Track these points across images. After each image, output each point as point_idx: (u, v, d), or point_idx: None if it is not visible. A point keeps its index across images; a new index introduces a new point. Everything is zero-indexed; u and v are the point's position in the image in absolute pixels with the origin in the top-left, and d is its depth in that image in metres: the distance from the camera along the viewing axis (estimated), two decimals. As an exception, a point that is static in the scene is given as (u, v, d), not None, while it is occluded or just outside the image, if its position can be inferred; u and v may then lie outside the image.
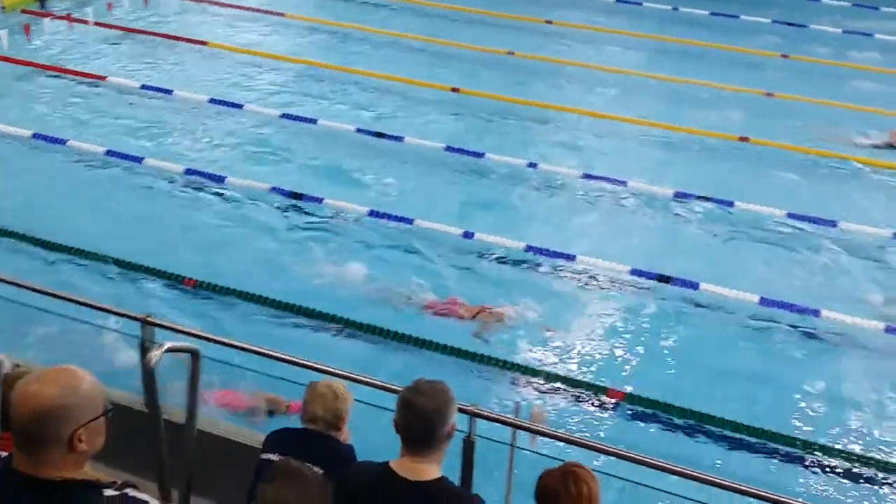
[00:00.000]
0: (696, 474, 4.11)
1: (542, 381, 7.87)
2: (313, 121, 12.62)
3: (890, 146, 12.63)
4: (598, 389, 7.81)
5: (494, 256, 9.77)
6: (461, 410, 3.90)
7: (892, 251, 10.13)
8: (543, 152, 12.12)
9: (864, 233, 10.36)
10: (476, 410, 4.29)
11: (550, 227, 10.54)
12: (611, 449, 4.31)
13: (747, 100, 13.98)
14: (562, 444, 4.92)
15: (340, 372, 4.83)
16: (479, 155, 11.78)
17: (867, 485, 7.00)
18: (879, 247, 10.19)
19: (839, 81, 14.88)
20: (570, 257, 9.68)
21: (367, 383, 4.72)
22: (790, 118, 13.39)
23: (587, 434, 7.16)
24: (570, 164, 11.82)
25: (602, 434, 7.33)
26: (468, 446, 4.30)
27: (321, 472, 3.82)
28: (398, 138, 12.16)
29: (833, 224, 10.47)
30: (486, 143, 12.20)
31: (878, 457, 7.26)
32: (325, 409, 4.39)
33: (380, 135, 12.28)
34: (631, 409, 7.68)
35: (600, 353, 8.43)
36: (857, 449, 7.34)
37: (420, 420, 3.49)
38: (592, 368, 8.20)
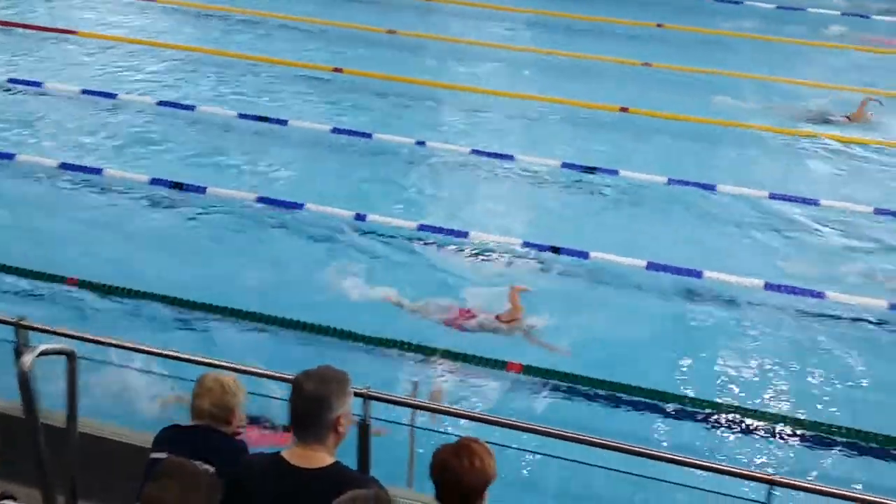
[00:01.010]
0: (592, 439, 4.14)
1: (441, 360, 7.83)
2: (191, 108, 12.23)
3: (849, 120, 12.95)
4: (496, 364, 7.82)
5: (388, 237, 9.67)
6: (356, 393, 3.81)
7: (772, 211, 10.48)
8: (431, 130, 12.07)
9: (743, 195, 10.69)
10: (369, 393, 4.21)
11: (442, 205, 10.51)
12: (507, 421, 4.29)
13: (626, 71, 14.24)
14: (464, 421, 4.92)
15: (230, 365, 4.67)
16: (367, 135, 11.64)
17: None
18: (757, 207, 10.53)
19: (713, 49, 15.31)
20: (463, 234, 9.67)
21: (257, 374, 4.58)
22: (667, 87, 13.71)
23: (489, 409, 7.17)
24: (459, 140, 11.81)
25: (506, 407, 7.34)
26: (363, 429, 4.22)
27: (210, 468, 3.69)
28: (282, 122, 11.90)
29: (712, 188, 10.77)
30: (374, 123, 12.07)
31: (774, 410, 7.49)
32: (213, 403, 4.24)
33: (263, 119, 11.99)
34: (531, 381, 7.73)
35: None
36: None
37: (305, 404, 3.41)
38: (487, 345, 8.16)
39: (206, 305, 8.28)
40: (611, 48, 14.96)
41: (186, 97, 12.59)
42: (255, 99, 12.79)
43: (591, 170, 11.14)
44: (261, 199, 10.09)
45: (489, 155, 11.41)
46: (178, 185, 10.27)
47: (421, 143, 11.51)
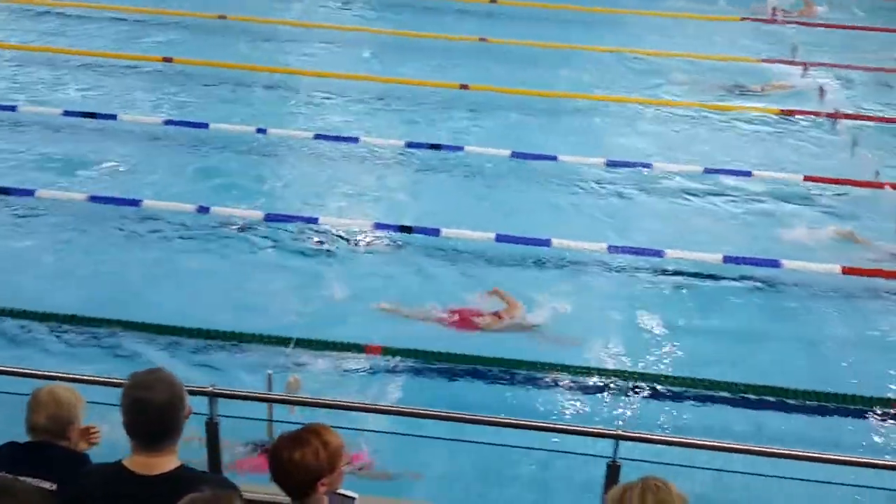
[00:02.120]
0: (449, 414, 4.16)
1: (296, 350, 7.69)
2: (12, 108, 11.49)
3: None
4: (355, 348, 7.75)
5: (235, 228, 9.42)
6: (200, 392, 3.68)
7: (611, 178, 10.80)
8: (271, 117, 11.79)
9: (582, 163, 10.99)
10: (215, 390, 4.07)
11: (289, 193, 10.34)
12: (362, 405, 4.25)
13: (464, 47, 14.36)
14: (323, 409, 4.83)
15: (64, 375, 4.42)
16: (203, 126, 11.25)
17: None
18: (597, 175, 10.86)
19: (548, 24, 15.64)
20: (313, 220, 9.53)
21: (93, 382, 4.35)
22: (504, 62, 13.92)
23: (354, 395, 7.11)
24: (300, 126, 11.62)
25: (374, 391, 7.31)
26: (211, 428, 4.08)
27: (48, 484, 3.48)
28: (111, 117, 11.35)
29: (553, 158, 11.01)
30: (210, 113, 11.67)
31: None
32: (48, 417, 4.00)
33: (91, 115, 11.40)
34: (389, 362, 7.71)
35: (355, 311, 8.37)
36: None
37: (156, 416, 3.26)
38: (352, 327, 8.08)
39: (24, 312, 7.83)
40: (448, 25, 15.05)
41: (6, 97, 11.81)
42: (84, 94, 12.18)
43: (435, 147, 11.19)
44: (94, 199, 9.60)
45: (333, 139, 11.26)
46: (3, 191, 9.65)
47: (262, 131, 11.23)
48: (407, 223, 9.55)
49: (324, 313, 8.31)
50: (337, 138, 11.27)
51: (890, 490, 5.92)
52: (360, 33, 14.84)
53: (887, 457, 6.68)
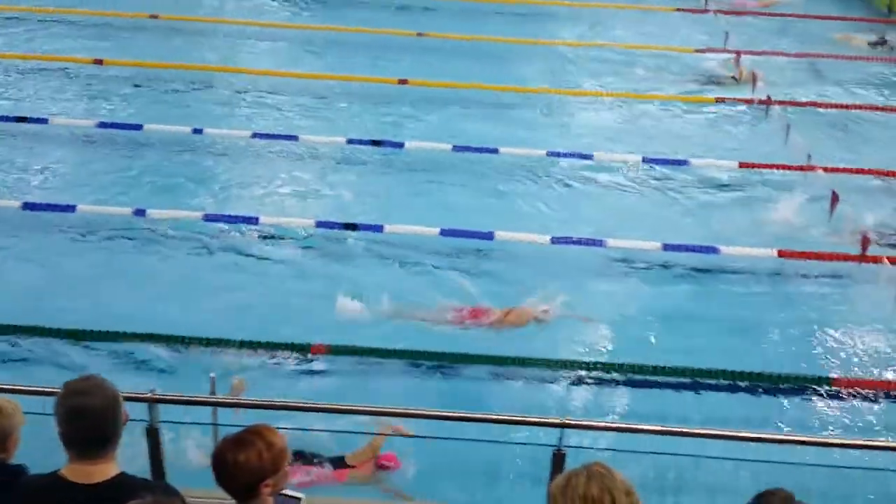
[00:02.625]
0: (391, 410, 4.13)
1: (241, 351, 7.59)
2: (-64, 114, 11.17)
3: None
4: (300, 348, 7.68)
5: (167, 230, 9.25)
6: (139, 399, 3.60)
7: (556, 171, 10.85)
8: (207, 117, 11.61)
9: (524, 155, 11.04)
10: (154, 396, 3.99)
11: (228, 193, 10.19)
12: (306, 405, 4.20)
13: (402, 42, 14.32)
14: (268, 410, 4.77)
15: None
16: (137, 127, 11.04)
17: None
18: (538, 166, 10.92)
19: (486, 18, 15.68)
20: (253, 220, 9.41)
21: (26, 392, 4.23)
22: (442, 56, 13.92)
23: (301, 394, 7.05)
24: (237, 125, 11.46)
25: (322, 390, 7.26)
26: (152, 435, 4.01)
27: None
28: (43, 121, 11.07)
29: (495, 151, 11.04)
30: (144, 114, 11.47)
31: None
32: (-16, 429, 3.87)
33: (21, 119, 11.11)
34: (335, 360, 7.67)
35: (298, 311, 8.28)
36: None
37: (94, 423, 3.18)
38: (293, 327, 8.00)
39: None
40: (385, 21, 14.98)
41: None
42: (14, 99, 11.90)
43: (376, 143, 11.15)
44: (27, 206, 9.35)
45: (271, 137, 11.14)
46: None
47: (198, 131, 11.05)
48: (350, 220, 9.50)
49: (266, 314, 8.22)
50: (275, 136, 11.15)
51: (832, 467, 6.10)
52: (296, 30, 14.71)
53: (824, 434, 6.88)
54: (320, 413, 4.34)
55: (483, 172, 10.78)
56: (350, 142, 11.15)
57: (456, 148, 11.04)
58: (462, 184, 10.57)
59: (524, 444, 3.81)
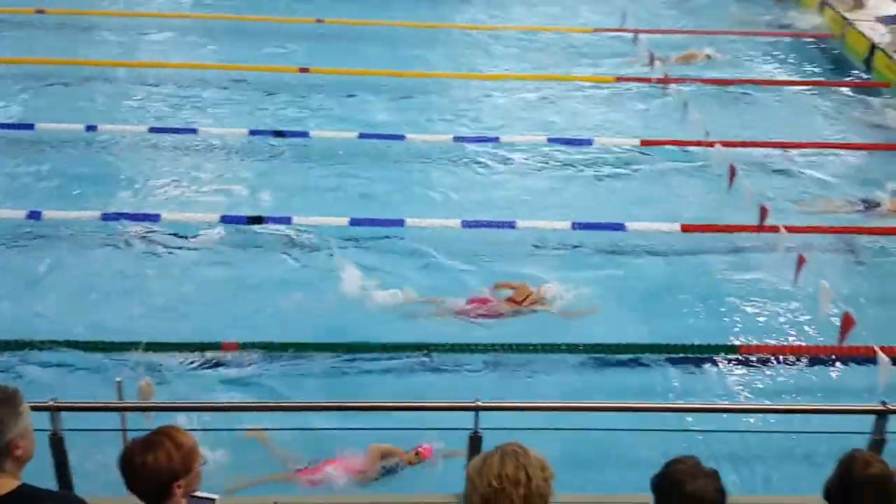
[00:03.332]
0: (306, 404, 4.05)
1: (148, 354, 7.36)
2: None
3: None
4: (209, 347, 7.50)
5: (69, 232, 8.92)
6: (40, 407, 3.44)
7: (463, 155, 10.84)
8: (101, 113, 11.20)
9: (431, 141, 11.00)
10: (56, 404, 3.82)
11: (126, 191, 9.84)
12: (216, 404, 4.08)
13: (301, 29, 14.09)
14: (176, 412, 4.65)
15: None
16: (28, 127, 10.58)
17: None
18: (446, 155, 10.85)
19: (383, 2, 15.57)
20: (154, 217, 9.13)
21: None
22: (343, 42, 13.77)
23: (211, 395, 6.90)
24: (133, 120, 11.11)
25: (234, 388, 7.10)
26: (55, 443, 3.83)
27: None
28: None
29: (401, 138, 10.97)
30: (35, 113, 11.00)
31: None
32: None
33: None
34: (249, 357, 7.51)
35: (207, 311, 8.07)
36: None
37: None
38: (204, 326, 7.77)
39: None
40: (283, 8, 14.73)
41: None
42: None
43: (279, 134, 10.95)
44: None
45: (170, 131, 10.84)
46: None
47: (92, 128, 10.64)
48: (256, 213, 9.32)
49: (171, 313, 8.00)
50: (173, 130, 10.86)
51: (740, 432, 6.29)
52: (190, 20, 14.32)
53: (729, 401, 7.07)
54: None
55: (391, 159, 10.71)
56: (252, 133, 10.93)
57: (362, 136, 10.93)
58: (370, 172, 10.47)
59: (442, 428, 3.79)
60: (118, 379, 5.21)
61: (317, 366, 7.37)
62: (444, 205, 9.86)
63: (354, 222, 9.22)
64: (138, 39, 13.63)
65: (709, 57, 13.85)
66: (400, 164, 10.66)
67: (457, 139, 11.04)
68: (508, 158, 10.89)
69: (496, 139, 11.13)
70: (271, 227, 9.15)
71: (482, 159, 10.84)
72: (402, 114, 11.88)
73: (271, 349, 7.47)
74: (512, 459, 2.70)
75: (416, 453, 6.01)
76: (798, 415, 6.05)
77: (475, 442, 3.72)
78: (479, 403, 3.61)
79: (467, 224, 9.27)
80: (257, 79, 12.43)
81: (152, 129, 10.81)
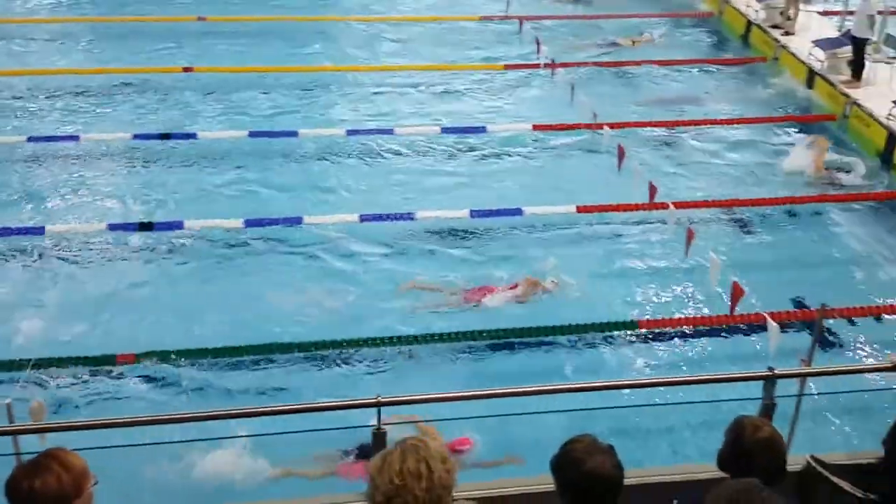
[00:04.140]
0: (192, 415, 3.92)
1: (38, 371, 7.06)
2: None
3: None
4: (104, 361, 7.25)
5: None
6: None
7: (357, 148, 10.74)
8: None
9: (323, 136, 10.89)
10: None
11: (6, 204, 9.42)
12: (114, 421, 3.92)
13: (182, 28, 13.72)
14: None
15: None
16: None
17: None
18: (340, 149, 10.77)
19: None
20: (37, 230, 8.77)
21: None
22: (226, 40, 13.50)
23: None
24: (10, 131, 10.63)
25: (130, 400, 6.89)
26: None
27: None
28: None
29: (294, 134, 10.83)
30: None
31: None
32: None
33: None
34: (147, 367, 7.29)
35: (100, 323, 7.80)
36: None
37: None
38: (101, 340, 7.52)
39: None
40: (162, 7, 14.33)
41: None
42: None
43: (165, 136, 10.65)
44: None
45: (50, 140, 10.40)
46: None
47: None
48: (145, 220, 9.06)
49: (64, 326, 7.70)
50: (54, 139, 10.44)
51: (644, 406, 6.40)
52: (67, 24, 13.76)
53: (635, 376, 7.23)
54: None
55: (283, 157, 10.55)
56: (137, 137, 10.60)
57: (252, 134, 10.74)
58: (262, 170, 10.29)
59: (345, 427, 3.75)
60: (7, 401, 4.97)
61: (228, 370, 7.22)
62: (342, 200, 9.77)
63: (249, 223, 9.06)
64: (11, 46, 13.03)
65: (652, 40, 14.21)
66: (294, 161, 10.51)
67: (350, 132, 10.96)
68: (403, 150, 10.86)
69: (390, 131, 11.09)
70: (164, 233, 8.90)
71: (377, 152, 10.79)
72: (292, 109, 11.72)
73: (168, 359, 7.28)
74: (412, 454, 2.67)
75: (452, 449, 6.10)
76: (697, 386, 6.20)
77: (379, 438, 3.69)
78: (381, 399, 3.58)
79: (366, 218, 9.21)
80: (139, 81, 12.06)
81: (31, 139, 10.37)
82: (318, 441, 5.73)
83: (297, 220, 9.13)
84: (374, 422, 3.81)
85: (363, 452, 6.05)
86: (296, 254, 8.83)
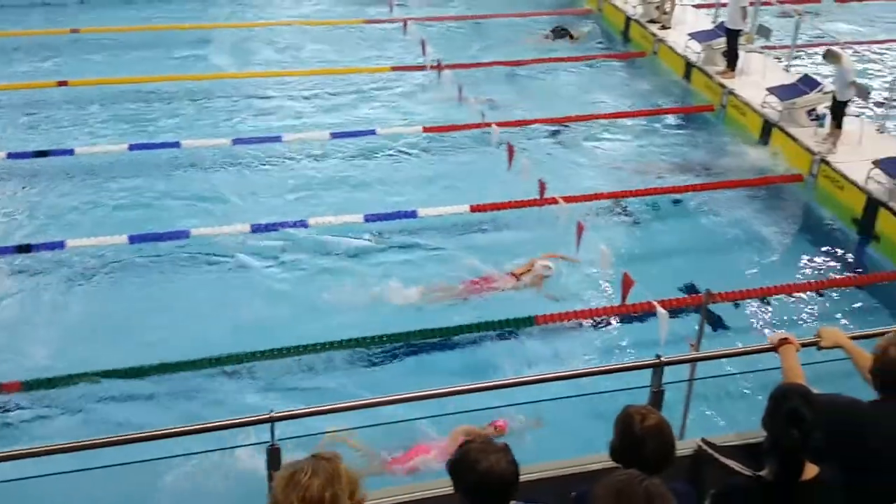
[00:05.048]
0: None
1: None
2: None
3: None
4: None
5: None
6: None
7: (243, 158, 10.55)
8: None
9: (208, 146, 10.63)
10: None
11: None
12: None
13: (55, 42, 13.20)
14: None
15: None
16: None
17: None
18: (226, 159, 10.54)
19: (145, 6, 14.90)
20: None
21: None
22: (103, 52, 13.07)
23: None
24: None
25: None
26: None
27: None
28: None
29: (176, 145, 10.55)
30: None
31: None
32: None
33: None
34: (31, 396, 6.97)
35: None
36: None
37: None
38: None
39: None
40: (34, 21, 13.75)
41: None
42: None
43: (41, 154, 10.22)
44: None
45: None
46: None
47: None
48: (23, 241, 8.68)
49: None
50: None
51: (538, 402, 6.44)
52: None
53: (533, 372, 7.28)
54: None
55: (167, 169, 10.26)
56: (11, 156, 10.15)
57: (133, 147, 10.41)
58: (145, 184, 9.98)
59: (236, 446, 3.63)
60: None
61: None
62: (232, 210, 9.56)
63: (134, 239, 8.78)
64: None
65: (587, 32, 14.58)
66: (178, 173, 10.23)
67: (236, 142, 10.74)
68: (293, 157, 10.71)
69: (278, 138, 10.92)
70: (43, 254, 8.54)
71: (266, 160, 10.60)
72: (174, 120, 11.42)
73: (58, 384, 6.98)
74: (324, 469, 2.60)
75: (495, 427, 6.32)
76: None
77: (274, 455, 3.59)
78: (274, 414, 3.48)
79: (257, 228, 9.04)
80: (11, 98, 11.54)
81: None
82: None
83: (185, 234, 8.90)
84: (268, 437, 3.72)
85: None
86: (186, 267, 8.60)
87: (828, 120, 10.57)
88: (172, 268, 8.60)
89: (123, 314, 7.93)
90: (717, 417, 6.54)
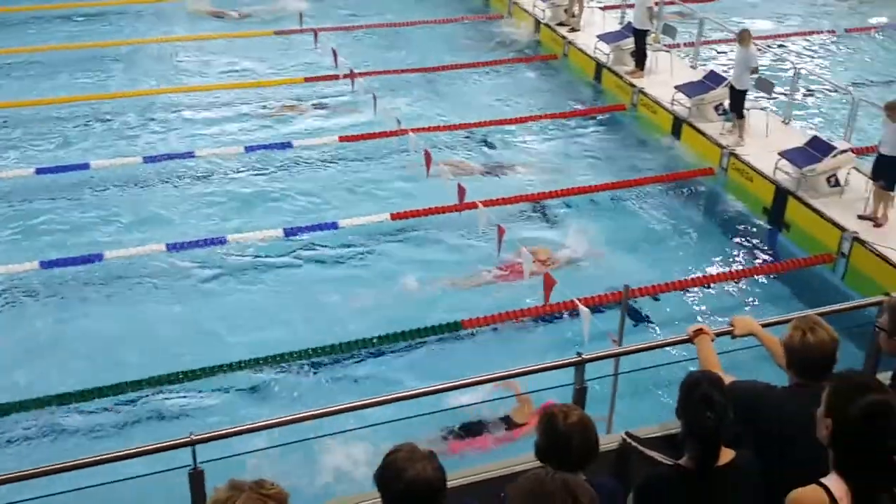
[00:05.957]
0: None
1: None
2: None
3: None
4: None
5: None
6: None
7: (156, 176, 10.32)
8: None
9: (118, 165, 10.37)
10: None
11: None
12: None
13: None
14: None
15: None
16: None
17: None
18: (137, 179, 10.31)
19: (42, 25, 14.47)
20: None
21: None
22: (11, 72, 12.68)
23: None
24: None
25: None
26: None
27: None
28: None
29: (85, 167, 10.28)
30: None
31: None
32: None
33: None
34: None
35: None
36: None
37: None
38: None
39: None
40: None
41: None
42: None
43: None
44: None
45: None
46: None
47: None
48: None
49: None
50: None
51: (465, 406, 6.45)
52: None
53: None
54: None
55: (75, 191, 9.97)
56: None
57: (40, 171, 10.10)
58: (54, 207, 9.69)
59: (157, 472, 3.51)
60: None
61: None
62: (148, 230, 9.35)
63: (46, 264, 8.52)
64: None
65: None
66: (89, 194, 9.95)
67: (147, 160, 10.51)
68: (207, 173, 10.53)
69: (191, 154, 10.72)
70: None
71: (179, 176, 10.40)
72: (80, 141, 11.10)
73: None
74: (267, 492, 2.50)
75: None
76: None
77: (197, 479, 3.49)
78: (194, 437, 3.38)
79: (172, 247, 8.88)
80: None
81: None
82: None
83: (98, 258, 8.68)
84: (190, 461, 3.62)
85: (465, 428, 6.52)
86: (98, 292, 8.38)
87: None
88: (86, 292, 8.38)
89: (35, 341, 7.67)
90: (641, 410, 6.64)
